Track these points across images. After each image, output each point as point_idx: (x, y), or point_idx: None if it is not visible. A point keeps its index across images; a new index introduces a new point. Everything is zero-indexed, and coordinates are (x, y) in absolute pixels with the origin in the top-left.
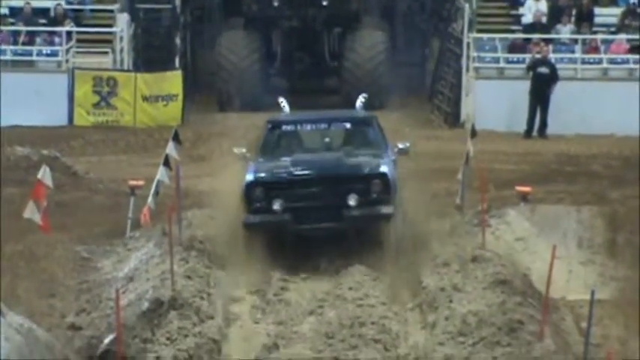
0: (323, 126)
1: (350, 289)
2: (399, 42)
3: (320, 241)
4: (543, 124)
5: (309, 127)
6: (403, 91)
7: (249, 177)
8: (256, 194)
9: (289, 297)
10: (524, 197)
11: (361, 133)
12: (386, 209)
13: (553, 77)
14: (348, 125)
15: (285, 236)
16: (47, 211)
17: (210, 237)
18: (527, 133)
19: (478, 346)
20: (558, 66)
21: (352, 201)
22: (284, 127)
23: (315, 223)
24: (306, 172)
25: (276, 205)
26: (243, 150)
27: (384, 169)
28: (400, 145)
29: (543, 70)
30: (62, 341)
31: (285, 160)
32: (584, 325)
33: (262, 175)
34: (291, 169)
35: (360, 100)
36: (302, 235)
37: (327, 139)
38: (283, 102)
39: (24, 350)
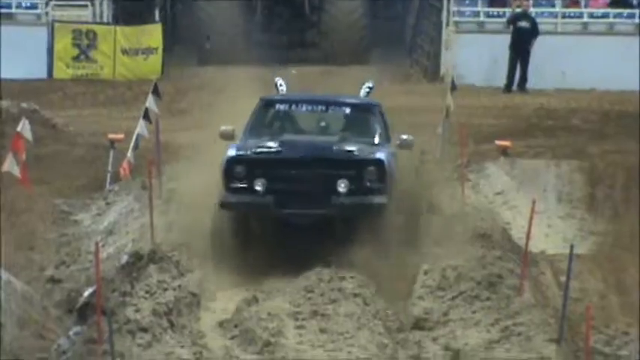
0: (320, 108)
1: None
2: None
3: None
4: (523, 78)
5: (304, 108)
6: (383, 45)
7: (231, 152)
8: (237, 172)
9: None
10: (503, 151)
11: (361, 120)
12: (379, 199)
13: (533, 31)
14: (347, 110)
15: (265, 220)
16: (26, 164)
17: (190, 190)
18: (507, 88)
19: (457, 300)
20: (539, 20)
21: (342, 187)
22: (277, 106)
23: (299, 209)
24: (294, 151)
25: (258, 186)
26: (230, 127)
27: (380, 155)
28: (403, 137)
29: (524, 24)
30: (41, 294)
31: (273, 139)
32: (563, 279)
33: (245, 152)
34: (278, 147)
35: (364, 88)
36: (284, 220)
37: (323, 123)
38: (281, 82)
39: (3, 302)
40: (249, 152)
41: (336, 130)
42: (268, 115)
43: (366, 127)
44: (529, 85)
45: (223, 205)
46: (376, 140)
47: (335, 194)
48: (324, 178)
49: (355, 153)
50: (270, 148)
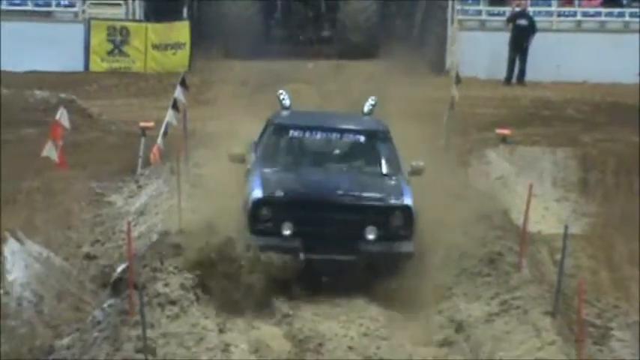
0: (335, 136)
1: None
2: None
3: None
4: (522, 72)
5: (318, 135)
6: (392, 41)
7: (257, 193)
8: (264, 214)
9: None
10: (503, 139)
11: (373, 147)
12: (406, 247)
13: (531, 29)
14: (360, 138)
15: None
16: (63, 149)
17: (214, 175)
18: (507, 80)
19: (461, 276)
20: (536, 18)
21: (371, 234)
22: (291, 133)
23: (327, 254)
24: (322, 195)
25: (286, 229)
26: (240, 152)
27: (407, 200)
28: (413, 163)
29: (522, 22)
30: (78, 269)
31: (296, 175)
32: (558, 257)
33: (272, 193)
34: (306, 188)
35: (368, 104)
36: (310, 265)
37: (336, 151)
38: (283, 95)
39: (42, 277)
40: (275, 193)
41: (348, 154)
42: (280, 140)
43: (379, 154)
44: (527, 78)
45: (249, 248)
46: (391, 170)
47: (363, 241)
48: (352, 224)
49: (383, 199)
50: (297, 188)
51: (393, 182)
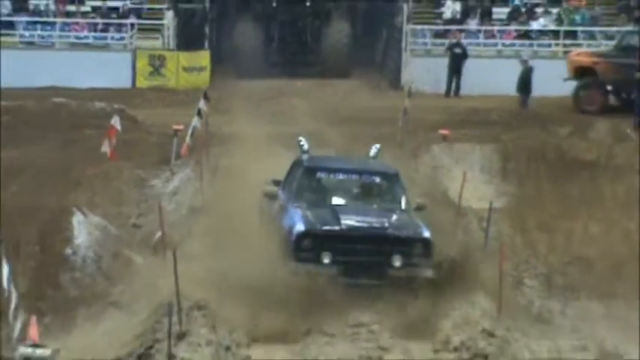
0: (355, 177)
1: None
2: (359, 30)
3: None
4: (457, 87)
5: (342, 176)
6: (361, 65)
7: (300, 227)
8: (305, 245)
9: None
10: (444, 138)
11: (390, 186)
12: (427, 272)
13: (464, 55)
14: (378, 179)
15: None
16: (116, 146)
17: (229, 166)
18: (447, 94)
19: None
20: (468, 47)
21: (397, 262)
22: (318, 174)
23: (360, 279)
24: (356, 228)
25: (325, 258)
26: (274, 188)
27: (426, 234)
28: (419, 200)
29: (457, 50)
30: (128, 235)
31: (332, 212)
32: (484, 225)
33: (313, 226)
34: (341, 224)
35: (373, 149)
36: (347, 288)
37: (357, 190)
38: (303, 141)
39: (101, 241)
40: (316, 227)
41: (369, 194)
42: (310, 180)
43: (396, 194)
44: (462, 92)
45: (295, 274)
46: (402, 207)
47: (391, 267)
48: (381, 253)
49: (407, 230)
50: (334, 223)
51: (409, 217)
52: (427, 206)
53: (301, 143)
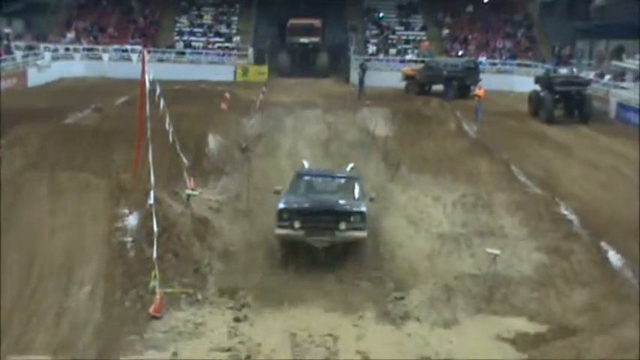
0: (328, 179)
1: None
2: (332, 57)
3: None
4: (361, 83)
5: (320, 179)
6: (332, 72)
7: (281, 205)
8: (284, 216)
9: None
10: (367, 105)
11: (351, 185)
12: (360, 234)
13: (366, 68)
14: (343, 181)
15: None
16: (228, 105)
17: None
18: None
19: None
20: (372, 64)
21: (342, 226)
22: (304, 177)
23: (319, 237)
24: (316, 206)
25: (296, 224)
26: (280, 187)
27: (363, 208)
28: (372, 195)
29: (364, 66)
30: (231, 145)
31: (304, 197)
32: (385, 142)
33: (289, 205)
34: (307, 203)
35: (349, 166)
36: (308, 243)
37: (330, 187)
38: (306, 163)
39: (220, 147)
40: (291, 205)
41: (336, 190)
42: (299, 181)
43: (353, 189)
44: (367, 85)
45: (276, 235)
46: (358, 197)
47: (338, 230)
48: (332, 221)
49: (349, 206)
50: (303, 203)
51: (357, 201)
52: (375, 199)
53: (304, 162)
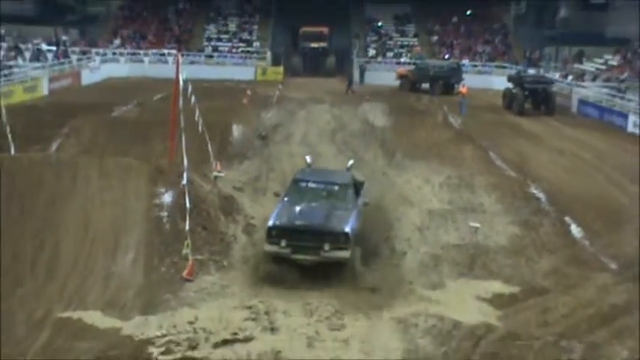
0: (323, 186)
1: None
2: (338, 58)
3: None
4: (361, 81)
5: (315, 185)
6: (338, 72)
7: (270, 223)
8: (272, 234)
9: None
10: (367, 100)
11: (344, 191)
12: (344, 254)
13: (365, 69)
14: (336, 187)
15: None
16: (249, 100)
17: (284, 107)
18: (360, 83)
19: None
20: (370, 66)
21: (326, 246)
22: (300, 184)
23: (303, 256)
24: (302, 225)
25: (283, 242)
26: (279, 191)
27: (347, 228)
28: (365, 200)
29: (363, 67)
30: (251, 134)
31: (293, 212)
32: (383, 132)
33: (276, 223)
34: (295, 220)
35: (349, 164)
36: (294, 261)
37: (324, 193)
38: (309, 158)
39: (243, 135)
40: (278, 223)
41: (329, 195)
42: (295, 186)
43: (346, 196)
44: (366, 83)
45: (264, 251)
46: (351, 204)
47: (322, 250)
48: (317, 240)
49: (334, 226)
50: (290, 220)
51: (347, 212)
52: (369, 203)
53: (307, 158)
